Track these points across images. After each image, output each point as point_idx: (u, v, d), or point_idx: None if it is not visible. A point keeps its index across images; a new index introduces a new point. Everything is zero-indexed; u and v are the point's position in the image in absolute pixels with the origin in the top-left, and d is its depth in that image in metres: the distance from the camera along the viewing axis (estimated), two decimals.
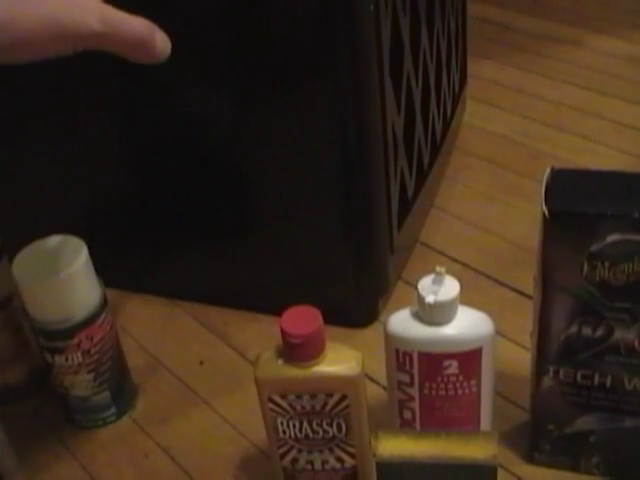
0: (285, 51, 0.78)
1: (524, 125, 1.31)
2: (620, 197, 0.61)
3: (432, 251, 1.06)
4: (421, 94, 0.98)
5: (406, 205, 0.98)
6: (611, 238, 0.60)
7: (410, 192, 0.98)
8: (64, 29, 0.50)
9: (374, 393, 0.81)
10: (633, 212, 0.59)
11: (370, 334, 0.93)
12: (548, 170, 0.64)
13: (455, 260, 1.03)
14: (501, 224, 1.08)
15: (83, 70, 0.85)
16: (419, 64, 0.96)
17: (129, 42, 0.54)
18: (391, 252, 0.93)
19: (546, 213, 0.61)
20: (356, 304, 0.94)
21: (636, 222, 0.59)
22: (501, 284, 0.98)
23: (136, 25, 0.54)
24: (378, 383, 0.83)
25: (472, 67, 1.30)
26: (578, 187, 0.63)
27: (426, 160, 1.05)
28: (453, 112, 1.20)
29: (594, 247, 0.60)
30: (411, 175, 0.98)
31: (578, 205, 0.61)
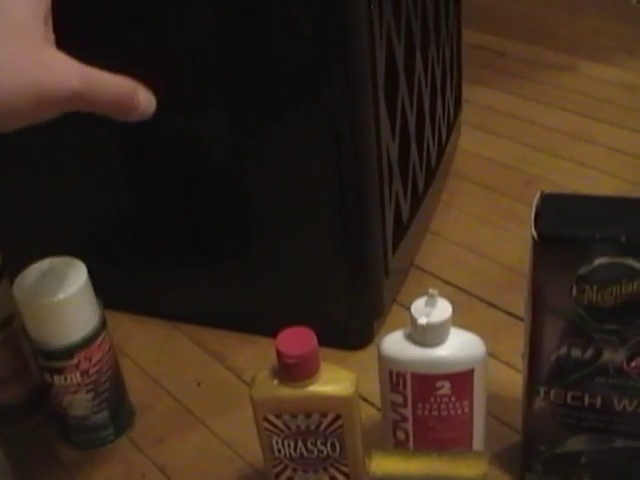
0: (281, 76, 0.80)
1: (518, 150, 1.32)
2: (608, 221, 0.62)
3: (427, 274, 1.07)
4: (416, 119, 0.99)
5: (401, 229, 0.99)
6: (599, 261, 0.61)
7: (405, 216, 1.00)
8: (46, 94, 0.50)
9: (368, 414, 0.82)
10: (621, 236, 0.60)
11: (365, 356, 0.94)
12: (538, 195, 0.65)
13: (449, 283, 1.04)
14: (495, 248, 1.10)
15: None
16: (414, 90, 0.97)
17: (111, 100, 0.54)
18: (386, 275, 0.94)
19: (535, 236, 0.62)
20: (351, 326, 0.95)
21: (624, 245, 0.60)
22: (494, 307, 1.00)
23: (117, 83, 0.54)
24: (372, 404, 0.84)
25: (467, 93, 1.32)
26: (567, 211, 0.64)
27: (421, 185, 1.06)
28: (448, 137, 1.21)
29: (582, 270, 0.62)
30: (406, 199, 0.99)
31: (567, 229, 0.62)
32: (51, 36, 0.54)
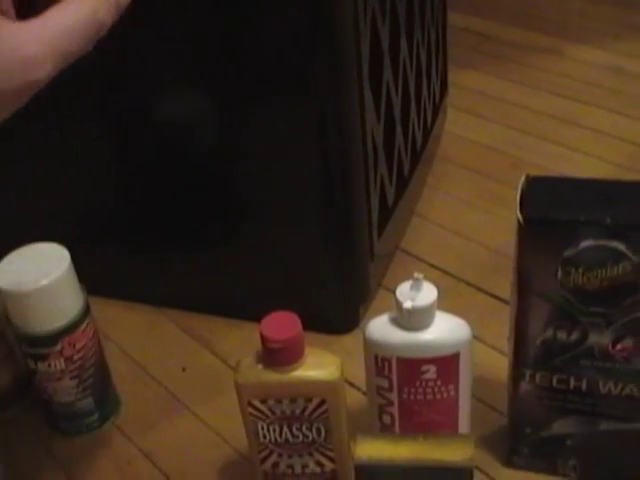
0: (265, 60, 0.79)
1: (505, 134, 1.32)
2: (594, 204, 0.62)
3: (413, 258, 1.07)
4: (401, 102, 0.99)
5: (386, 212, 0.99)
6: (584, 244, 0.61)
7: (390, 200, 0.99)
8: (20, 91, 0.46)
9: (354, 398, 0.82)
10: (606, 218, 0.60)
11: (351, 340, 0.94)
12: (523, 177, 0.65)
13: (435, 267, 1.04)
14: (481, 231, 1.10)
15: (70, 81, 0.86)
16: (399, 73, 0.97)
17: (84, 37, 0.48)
18: (371, 259, 0.94)
19: (520, 220, 0.62)
20: (337, 311, 0.95)
21: (609, 228, 0.60)
22: (481, 290, 1.00)
23: (79, 21, 0.48)
24: (358, 388, 0.84)
25: (454, 76, 1.32)
26: (553, 194, 0.64)
27: (406, 168, 1.06)
28: (434, 120, 1.21)
29: (568, 253, 0.62)
30: (391, 183, 0.99)
31: (552, 212, 0.62)
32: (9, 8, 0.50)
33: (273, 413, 0.68)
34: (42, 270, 0.77)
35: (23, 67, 0.45)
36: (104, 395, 0.87)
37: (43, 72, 0.46)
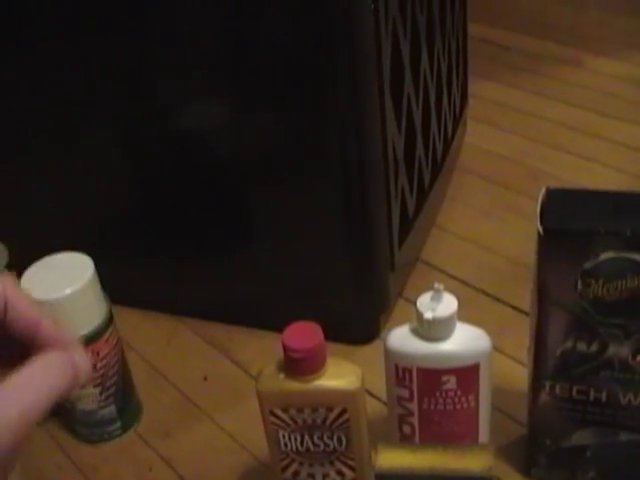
0: (286, 71, 0.80)
1: (523, 145, 1.32)
2: (613, 215, 0.62)
3: (432, 269, 1.07)
4: (422, 114, 0.99)
5: (407, 223, 0.99)
6: (604, 255, 0.61)
7: (411, 211, 1.00)
8: None
9: (374, 408, 0.82)
10: (625, 230, 0.60)
11: (371, 350, 0.94)
12: (543, 189, 0.65)
13: (455, 277, 1.04)
14: (500, 242, 1.10)
15: (86, 90, 0.87)
16: (419, 84, 0.97)
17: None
18: (392, 270, 0.95)
19: (541, 231, 0.62)
20: (357, 321, 0.96)
21: (629, 240, 0.60)
22: (500, 301, 1.00)
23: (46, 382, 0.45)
24: (379, 398, 0.84)
25: (472, 87, 1.32)
26: (572, 206, 0.65)
27: (427, 179, 1.06)
28: (454, 132, 1.21)
29: (588, 264, 0.62)
30: (412, 194, 0.99)
31: (572, 223, 0.63)
32: None
33: (294, 422, 0.69)
34: (66, 279, 0.78)
35: None
36: (126, 403, 0.88)
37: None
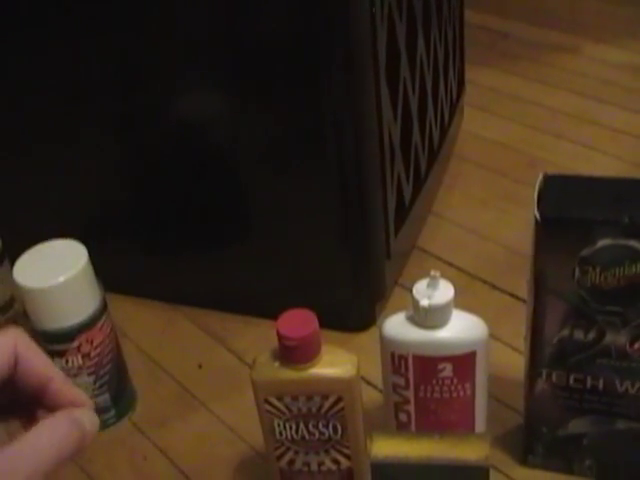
0: (281, 57, 0.79)
1: (521, 132, 1.32)
2: (611, 203, 0.62)
3: (429, 256, 1.07)
4: (418, 101, 0.99)
5: (403, 211, 0.99)
6: (602, 243, 0.61)
7: (407, 198, 0.99)
8: None
9: (370, 396, 0.82)
10: (623, 217, 0.60)
11: (367, 338, 0.94)
12: (540, 176, 0.65)
13: (451, 265, 1.04)
14: (497, 230, 1.09)
15: (83, 80, 0.87)
16: (416, 71, 0.97)
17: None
18: (388, 257, 0.94)
19: (538, 218, 0.62)
20: (353, 309, 0.95)
21: (626, 227, 0.60)
22: (496, 289, 0.99)
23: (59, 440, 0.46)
24: (374, 386, 0.84)
25: (470, 74, 1.31)
26: (570, 193, 0.64)
27: (423, 167, 1.06)
28: (451, 119, 1.21)
29: (585, 252, 0.61)
30: (408, 181, 0.99)
31: (569, 211, 0.62)
32: None
33: (289, 410, 0.68)
34: (60, 267, 0.78)
35: None
36: (121, 392, 0.87)
37: None
